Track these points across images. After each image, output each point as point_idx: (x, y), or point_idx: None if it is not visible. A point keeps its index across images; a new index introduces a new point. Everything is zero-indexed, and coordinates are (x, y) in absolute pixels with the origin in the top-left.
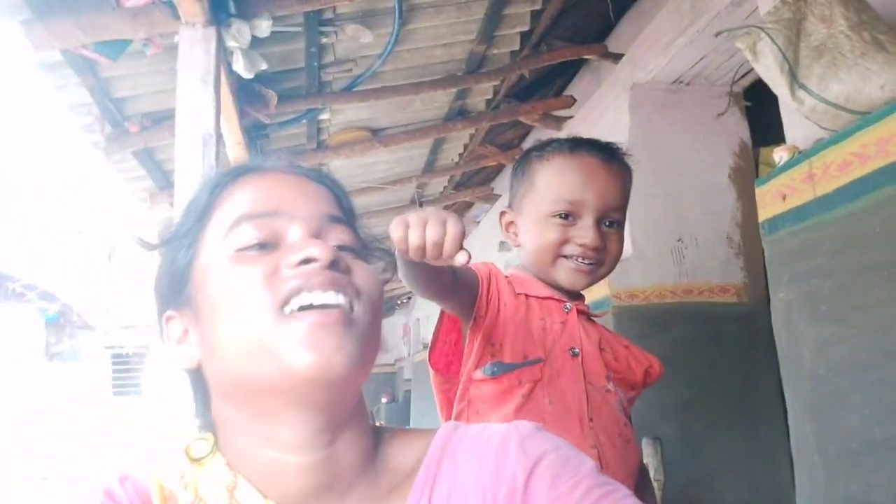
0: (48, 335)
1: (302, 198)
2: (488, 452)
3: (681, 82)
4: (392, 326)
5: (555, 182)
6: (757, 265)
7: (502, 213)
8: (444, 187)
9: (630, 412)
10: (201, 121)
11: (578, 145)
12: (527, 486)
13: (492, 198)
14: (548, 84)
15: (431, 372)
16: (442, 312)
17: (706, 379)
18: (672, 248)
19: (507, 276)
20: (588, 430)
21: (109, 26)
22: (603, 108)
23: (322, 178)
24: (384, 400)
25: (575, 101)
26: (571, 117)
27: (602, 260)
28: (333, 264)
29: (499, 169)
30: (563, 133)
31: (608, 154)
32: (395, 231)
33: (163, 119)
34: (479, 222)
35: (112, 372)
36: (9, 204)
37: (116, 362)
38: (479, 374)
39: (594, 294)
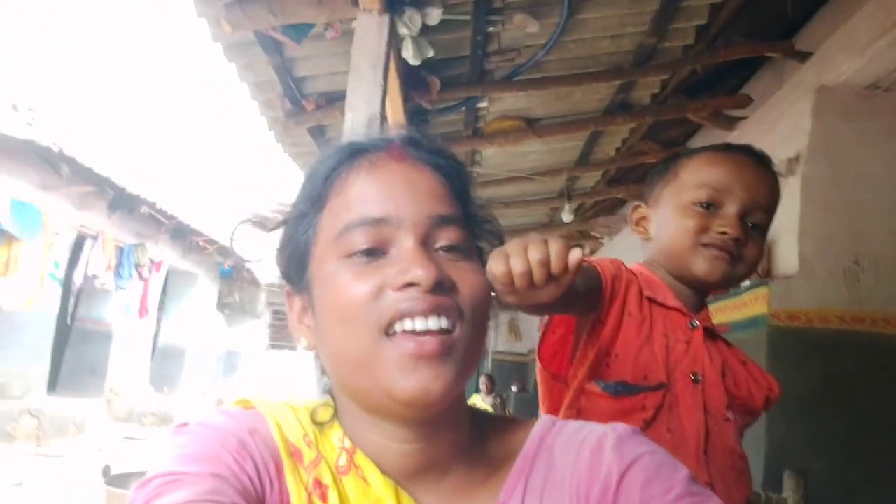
0: (222, 287)
1: (412, 198)
2: (584, 450)
3: (877, 87)
4: (529, 317)
5: (701, 171)
6: None
7: (635, 207)
8: (597, 181)
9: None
10: (369, 103)
11: (731, 146)
12: (619, 486)
13: None
14: (721, 81)
15: (538, 364)
16: None
17: (869, 418)
18: (846, 269)
19: (633, 272)
20: (702, 463)
21: (297, 11)
22: (782, 110)
23: (435, 161)
24: (514, 388)
25: (751, 100)
26: (745, 118)
27: (741, 256)
28: (437, 286)
29: None
30: (735, 134)
31: (760, 157)
32: (496, 265)
33: (335, 99)
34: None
35: (270, 327)
36: (195, 163)
37: (276, 318)
38: (595, 386)
39: (748, 311)
